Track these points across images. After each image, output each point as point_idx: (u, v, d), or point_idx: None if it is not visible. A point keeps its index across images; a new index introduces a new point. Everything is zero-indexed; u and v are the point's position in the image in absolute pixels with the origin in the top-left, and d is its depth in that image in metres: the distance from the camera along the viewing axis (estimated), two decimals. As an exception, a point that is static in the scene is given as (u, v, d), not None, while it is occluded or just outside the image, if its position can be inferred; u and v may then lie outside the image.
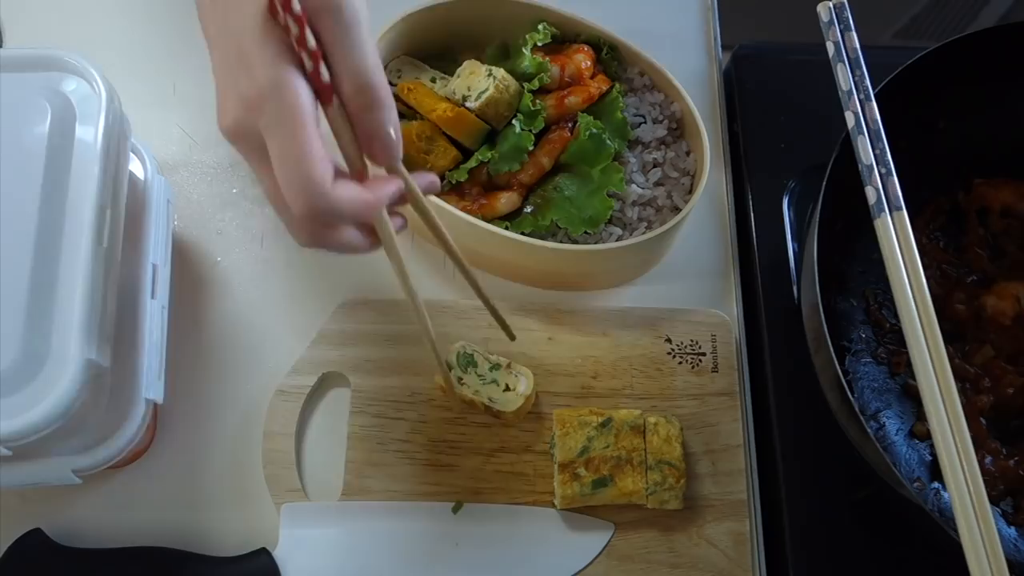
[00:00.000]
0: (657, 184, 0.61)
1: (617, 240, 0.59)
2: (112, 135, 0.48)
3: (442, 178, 0.59)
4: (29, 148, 0.47)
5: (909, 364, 0.46)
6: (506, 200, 0.59)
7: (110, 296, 0.46)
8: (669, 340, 0.59)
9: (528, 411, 0.56)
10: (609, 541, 0.54)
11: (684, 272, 0.63)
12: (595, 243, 0.58)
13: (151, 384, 0.50)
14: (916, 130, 0.59)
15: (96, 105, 0.49)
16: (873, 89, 0.52)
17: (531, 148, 0.58)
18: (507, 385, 0.55)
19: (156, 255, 0.53)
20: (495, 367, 0.55)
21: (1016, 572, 0.42)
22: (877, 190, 0.50)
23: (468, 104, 0.58)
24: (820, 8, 0.55)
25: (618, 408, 0.55)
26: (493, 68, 0.59)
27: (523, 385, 0.55)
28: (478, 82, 0.58)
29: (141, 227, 0.53)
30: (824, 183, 0.51)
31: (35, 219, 0.45)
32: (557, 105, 0.59)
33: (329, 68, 0.37)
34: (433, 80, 0.61)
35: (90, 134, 0.48)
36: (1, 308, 0.43)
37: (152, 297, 0.52)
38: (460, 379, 0.55)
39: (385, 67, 0.60)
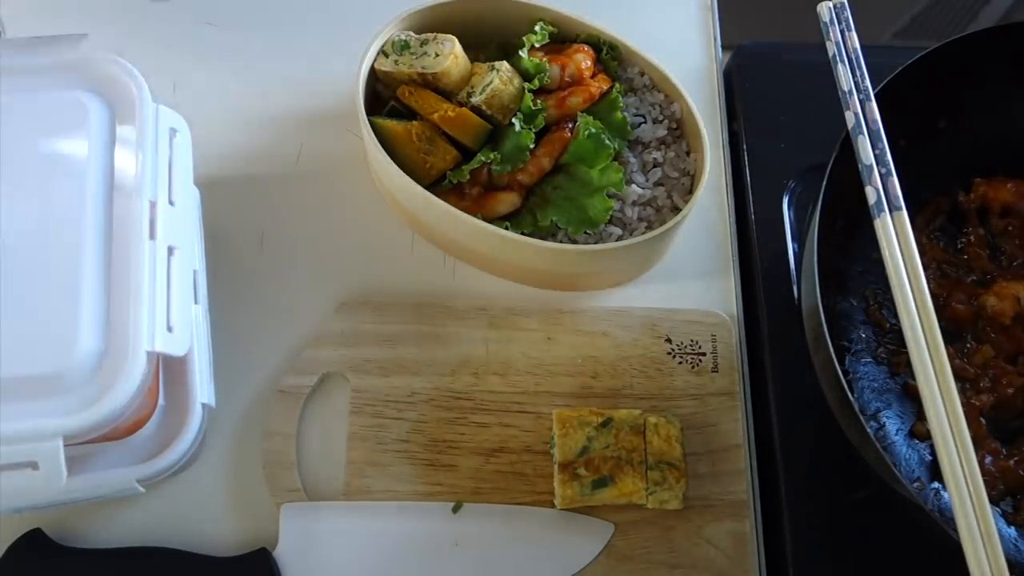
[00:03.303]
0: (657, 184, 0.61)
1: (617, 240, 0.59)
2: (151, 129, 0.48)
3: (443, 179, 0.59)
4: (73, 147, 0.46)
5: (909, 364, 0.46)
6: (506, 200, 0.59)
7: (171, 289, 0.46)
8: (669, 340, 0.59)
9: (466, 77, 0.59)
10: (609, 541, 0.54)
11: (684, 272, 0.63)
12: (595, 243, 0.58)
13: (204, 388, 0.50)
14: (916, 130, 0.59)
15: (131, 99, 0.48)
16: (873, 89, 0.52)
17: (532, 147, 0.58)
18: (436, 52, 0.58)
19: (196, 259, 0.53)
20: (424, 42, 0.59)
21: (1016, 572, 0.42)
22: (877, 190, 0.50)
23: (473, 100, 0.58)
24: (820, 8, 0.55)
25: (618, 408, 0.55)
26: (495, 62, 0.59)
27: (447, 47, 0.58)
28: (480, 78, 0.58)
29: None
30: (824, 183, 0.51)
31: (85, 215, 0.45)
32: (558, 105, 0.59)
33: None
34: (422, 44, 0.60)
35: (130, 131, 0.47)
36: (57, 307, 0.43)
37: (195, 302, 0.51)
38: (396, 62, 0.59)
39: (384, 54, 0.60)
